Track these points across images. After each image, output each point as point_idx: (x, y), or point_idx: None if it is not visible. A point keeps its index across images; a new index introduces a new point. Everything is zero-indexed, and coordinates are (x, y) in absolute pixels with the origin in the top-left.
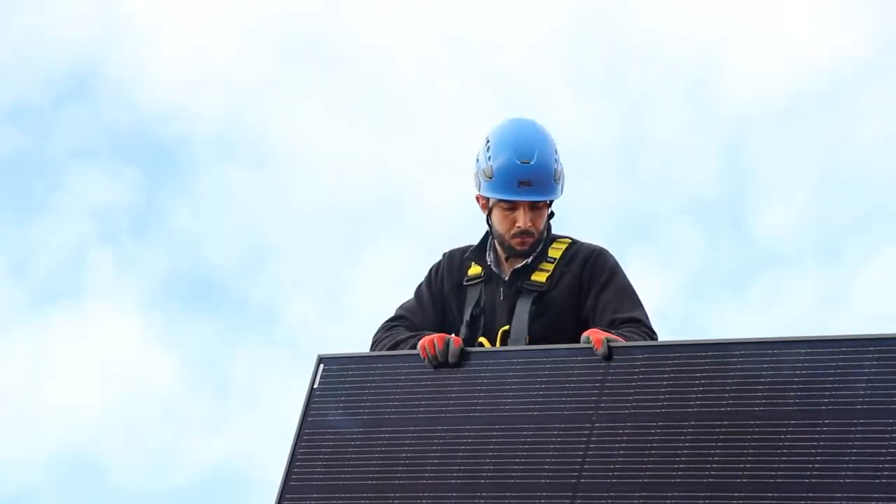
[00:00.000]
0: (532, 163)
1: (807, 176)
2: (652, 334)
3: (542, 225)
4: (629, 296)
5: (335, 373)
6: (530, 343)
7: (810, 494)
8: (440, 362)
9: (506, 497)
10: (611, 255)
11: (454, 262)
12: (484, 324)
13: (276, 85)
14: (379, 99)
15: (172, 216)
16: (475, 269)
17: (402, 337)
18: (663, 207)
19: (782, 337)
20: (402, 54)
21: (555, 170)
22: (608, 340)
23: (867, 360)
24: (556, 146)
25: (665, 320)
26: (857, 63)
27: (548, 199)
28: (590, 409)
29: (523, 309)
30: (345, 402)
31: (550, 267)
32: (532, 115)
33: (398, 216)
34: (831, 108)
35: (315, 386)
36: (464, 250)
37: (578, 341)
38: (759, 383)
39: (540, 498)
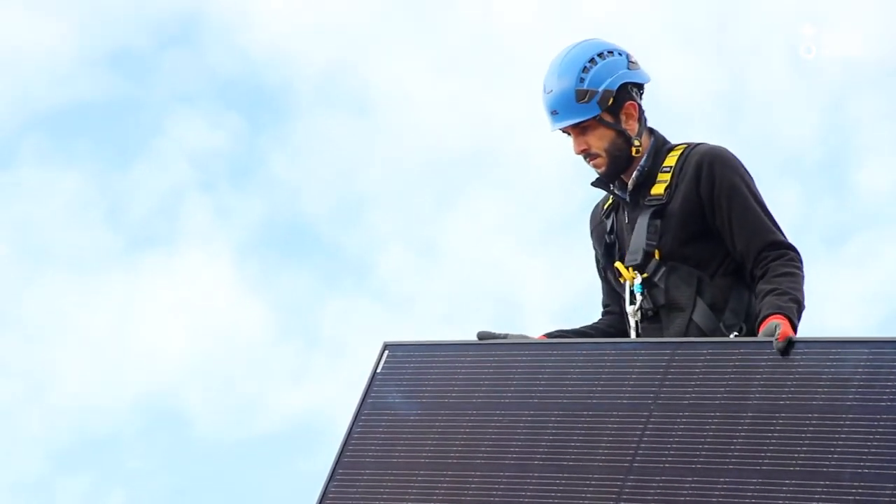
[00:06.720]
0: (552, 91)
1: None
2: (794, 251)
3: (604, 144)
4: (760, 217)
5: (399, 359)
6: (660, 260)
7: (862, 483)
8: None
9: (558, 477)
10: (726, 161)
11: (595, 206)
12: (618, 249)
13: (381, 33)
14: (482, 50)
15: (271, 163)
16: (609, 202)
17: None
18: (765, 164)
19: (846, 337)
20: (507, 5)
21: (576, 91)
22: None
23: None
24: (595, 57)
25: None
26: None
27: (575, 121)
28: (649, 398)
29: (641, 225)
30: (406, 385)
31: (668, 177)
32: None
33: (495, 168)
34: None
35: (378, 371)
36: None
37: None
38: (821, 379)
39: (592, 479)
